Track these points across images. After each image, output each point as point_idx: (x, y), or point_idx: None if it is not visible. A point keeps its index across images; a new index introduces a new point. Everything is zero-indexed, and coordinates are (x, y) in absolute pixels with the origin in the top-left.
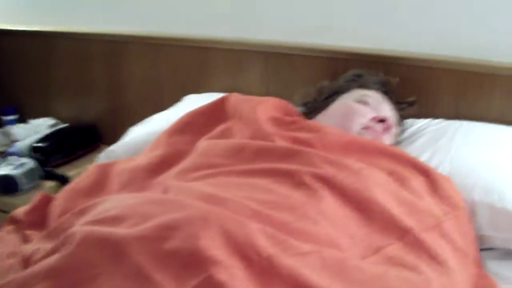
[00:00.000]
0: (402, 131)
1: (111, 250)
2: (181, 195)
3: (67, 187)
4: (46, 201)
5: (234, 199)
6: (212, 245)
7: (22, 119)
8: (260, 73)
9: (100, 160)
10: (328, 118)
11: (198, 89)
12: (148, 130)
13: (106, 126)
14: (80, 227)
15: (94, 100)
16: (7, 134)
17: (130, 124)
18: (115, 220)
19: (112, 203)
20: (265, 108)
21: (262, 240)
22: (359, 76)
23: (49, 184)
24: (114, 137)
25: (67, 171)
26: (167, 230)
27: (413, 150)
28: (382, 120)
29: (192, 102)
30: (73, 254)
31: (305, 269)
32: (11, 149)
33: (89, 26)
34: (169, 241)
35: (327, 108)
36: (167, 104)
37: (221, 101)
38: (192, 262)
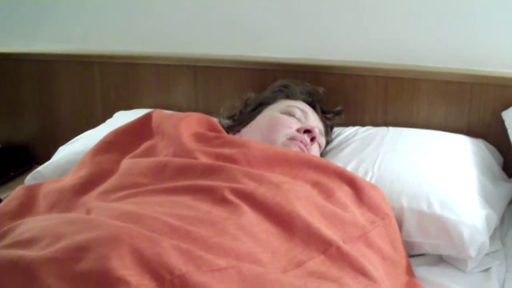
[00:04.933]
0: (330, 141)
1: (22, 273)
2: (99, 214)
3: None
4: None
5: (152, 215)
6: (123, 265)
7: None
8: (189, 87)
9: (27, 181)
10: (253, 130)
11: (130, 105)
12: (76, 149)
13: (39, 146)
14: None
15: (25, 120)
16: None
17: (62, 143)
18: (28, 242)
19: (28, 225)
20: (187, 124)
21: (175, 258)
22: (285, 86)
23: None
24: (47, 157)
25: (0, 193)
26: (78, 251)
27: (340, 159)
28: (308, 131)
29: (121, 119)
30: None
31: (220, 285)
32: None
33: (17, 46)
34: (80, 263)
35: (253, 120)
36: (100, 121)
37: (144, 118)
38: (103, 283)
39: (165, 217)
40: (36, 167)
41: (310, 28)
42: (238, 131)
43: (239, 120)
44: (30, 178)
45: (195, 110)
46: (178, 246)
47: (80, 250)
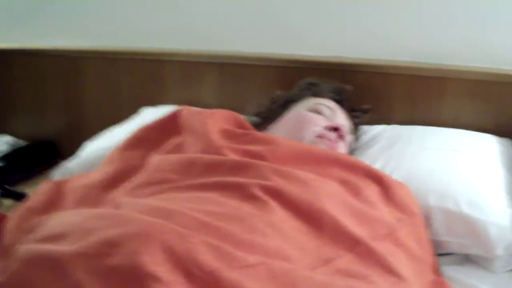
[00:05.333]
0: (357, 139)
1: (52, 268)
2: (128, 210)
3: (21, 206)
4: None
5: (181, 211)
6: (153, 261)
7: None
8: (214, 84)
9: (55, 177)
10: (281, 127)
11: (154, 102)
12: (103, 145)
13: (65, 142)
14: (24, 246)
15: (51, 117)
16: None
17: (88, 139)
18: (58, 237)
19: (57, 220)
20: (215, 121)
21: (205, 254)
22: (312, 84)
23: (7, 202)
24: (73, 153)
25: (26, 188)
26: (108, 246)
27: (368, 157)
28: (335, 129)
29: (147, 116)
30: (16, 273)
31: (251, 282)
32: None
33: (43, 42)
34: (110, 258)
35: (280, 117)
36: (124, 118)
37: (173, 115)
38: (133, 278)
39: (194, 213)
40: (62, 163)
41: (337, 26)
42: (266, 128)
43: (267, 118)
44: (58, 174)
45: (221, 107)
46: (208, 242)
47: (111, 245)
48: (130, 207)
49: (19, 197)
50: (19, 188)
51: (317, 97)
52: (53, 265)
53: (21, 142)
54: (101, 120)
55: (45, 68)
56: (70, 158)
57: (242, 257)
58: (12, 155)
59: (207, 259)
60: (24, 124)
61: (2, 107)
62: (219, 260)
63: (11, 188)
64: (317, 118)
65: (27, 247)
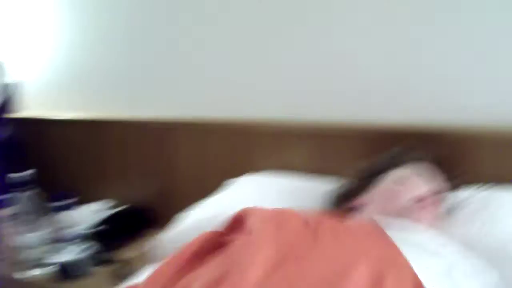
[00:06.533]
0: (446, 203)
1: None
2: None
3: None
4: None
5: None
6: None
7: (80, 203)
8: (303, 153)
9: (154, 246)
10: (371, 201)
11: (245, 170)
12: (199, 217)
13: (161, 208)
14: None
15: (148, 183)
16: (65, 219)
17: (179, 206)
18: None
19: None
20: None
21: None
22: (397, 154)
23: (111, 267)
24: (165, 219)
25: (126, 253)
26: None
27: (458, 220)
28: (421, 199)
29: (239, 185)
30: None
31: None
32: (70, 234)
33: (142, 112)
34: None
35: (369, 188)
36: (216, 187)
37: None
38: None
39: None
40: (156, 229)
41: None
42: (358, 198)
43: (358, 188)
44: (156, 243)
45: (310, 174)
46: None
47: None
48: None
49: (123, 262)
50: (118, 253)
51: (402, 166)
52: None
53: (118, 208)
54: (193, 188)
55: (142, 135)
56: (163, 224)
57: None
58: (111, 221)
59: None
60: (123, 190)
61: (103, 174)
62: None
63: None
64: (401, 191)
65: None
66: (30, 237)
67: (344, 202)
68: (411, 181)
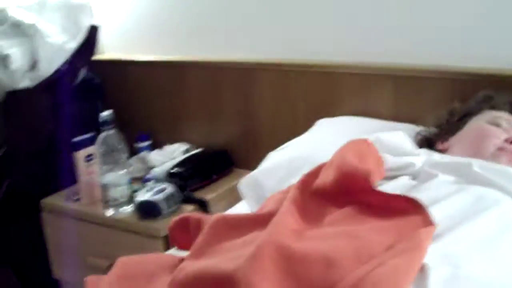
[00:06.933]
0: None
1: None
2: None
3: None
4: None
5: None
6: None
7: (156, 145)
8: (389, 96)
9: (241, 184)
10: (461, 140)
11: (329, 112)
12: (288, 156)
13: (238, 150)
14: None
15: (225, 125)
16: (143, 161)
17: (261, 148)
18: None
19: None
20: None
21: None
22: (489, 97)
23: (188, 208)
24: (246, 161)
25: (204, 195)
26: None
27: None
28: None
29: (325, 127)
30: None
31: None
32: (149, 175)
33: (219, 55)
34: None
35: (460, 130)
36: (300, 128)
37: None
38: None
39: None
40: (236, 171)
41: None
42: (446, 139)
43: (446, 130)
44: (244, 182)
45: (395, 119)
46: None
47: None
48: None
49: (200, 203)
50: (196, 194)
51: (495, 109)
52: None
53: (198, 150)
54: (274, 130)
55: (220, 79)
56: (243, 166)
57: None
58: (190, 162)
59: None
60: (199, 132)
61: (179, 116)
62: None
63: (192, 195)
64: (496, 131)
65: None
66: (111, 176)
67: (433, 144)
68: (504, 123)
